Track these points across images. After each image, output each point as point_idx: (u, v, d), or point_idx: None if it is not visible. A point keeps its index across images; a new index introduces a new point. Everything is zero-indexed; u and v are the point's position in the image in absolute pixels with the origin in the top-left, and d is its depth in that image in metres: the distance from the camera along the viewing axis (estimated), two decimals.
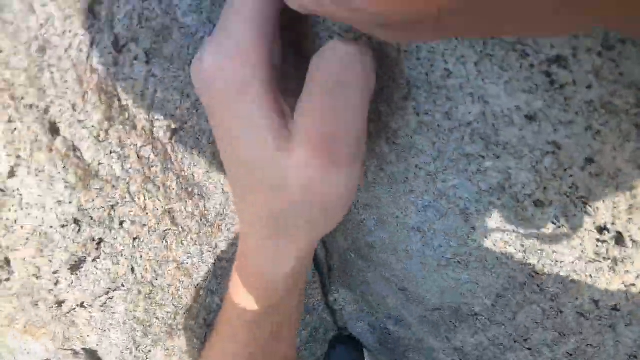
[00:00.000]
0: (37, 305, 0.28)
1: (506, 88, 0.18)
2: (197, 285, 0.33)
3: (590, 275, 0.21)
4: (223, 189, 0.30)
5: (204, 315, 0.35)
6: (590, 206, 0.19)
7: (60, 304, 0.28)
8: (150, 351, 0.33)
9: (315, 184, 0.21)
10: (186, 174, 0.28)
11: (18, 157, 0.21)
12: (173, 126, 0.26)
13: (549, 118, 0.17)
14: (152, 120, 0.25)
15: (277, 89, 0.21)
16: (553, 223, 0.20)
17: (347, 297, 0.44)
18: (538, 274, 0.23)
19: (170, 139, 0.26)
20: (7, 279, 0.25)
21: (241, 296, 0.29)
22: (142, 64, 0.23)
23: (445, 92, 0.21)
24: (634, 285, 0.20)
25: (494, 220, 0.23)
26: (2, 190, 0.21)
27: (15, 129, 0.20)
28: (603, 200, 0.18)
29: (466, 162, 0.22)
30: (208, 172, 0.29)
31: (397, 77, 0.22)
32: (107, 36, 0.21)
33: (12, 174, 0.21)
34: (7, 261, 0.24)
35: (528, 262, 0.23)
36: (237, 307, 0.29)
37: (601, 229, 0.19)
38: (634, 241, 0.18)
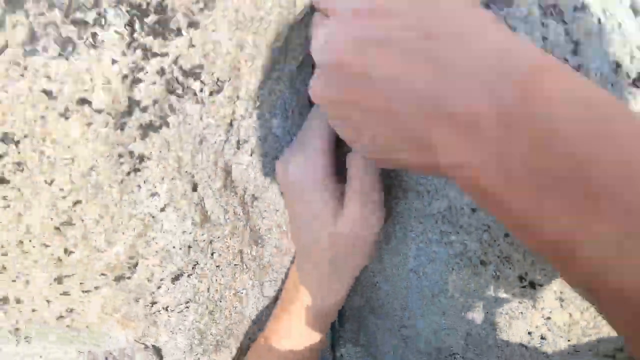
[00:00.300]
0: (137, 301, 0.40)
1: (459, 192, 0.32)
2: (244, 312, 0.44)
3: (522, 312, 0.33)
4: (275, 244, 0.43)
5: (242, 339, 0.46)
6: (512, 263, 0.31)
7: (153, 304, 0.40)
8: (199, 359, 0.44)
9: (362, 228, 0.34)
10: (256, 228, 0.41)
11: (170, 199, 0.35)
12: (256, 195, 0.40)
13: (482, 210, 0.31)
14: (245, 190, 0.39)
15: (336, 180, 0.35)
16: (493, 276, 0.33)
17: (352, 352, 0.55)
18: (489, 313, 0.35)
19: (252, 204, 0.40)
20: (129, 277, 0.38)
21: (287, 324, 0.40)
22: (248, 156, 0.38)
23: (431, 193, 0.34)
24: (549, 318, 0.32)
25: (459, 276, 0.35)
26: (154, 217, 0.35)
27: (175, 184, 0.35)
28: (517, 260, 0.31)
29: (440, 236, 0.35)
30: (270, 229, 0.42)
31: (401, 182, 0.36)
32: (235, 138, 0.36)
33: (163, 209, 0.35)
34: (136, 264, 0.37)
35: (483, 304, 0.35)
36: (281, 334, 0.40)
37: (521, 278, 0.31)
38: (539, 285, 0.31)
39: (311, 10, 0.36)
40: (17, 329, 0.44)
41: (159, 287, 0.39)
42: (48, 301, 0.41)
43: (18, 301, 0.41)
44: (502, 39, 0.23)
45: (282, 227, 0.43)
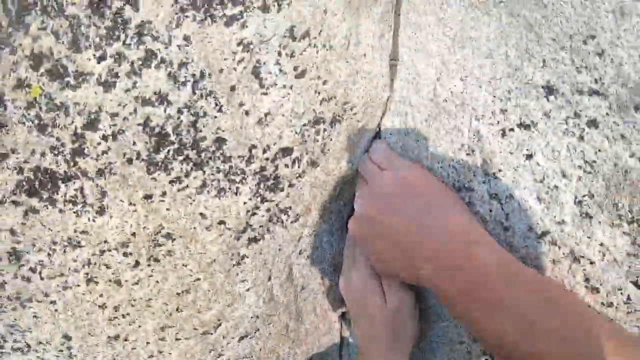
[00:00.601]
0: (210, 352, 0.57)
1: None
2: None
3: None
4: (311, 321, 0.62)
5: None
6: (477, 342, 0.49)
7: (220, 356, 0.58)
8: None
9: (399, 304, 0.52)
10: (299, 309, 0.60)
11: (254, 284, 0.54)
12: (303, 286, 0.59)
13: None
14: (298, 281, 0.58)
15: (378, 277, 0.54)
16: (466, 351, 0.51)
17: None
18: None
19: (300, 291, 0.59)
20: (211, 333, 0.56)
21: None
22: (304, 259, 0.57)
23: (432, 312, 0.54)
24: None
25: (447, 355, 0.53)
26: (240, 294, 0.54)
27: (259, 275, 0.54)
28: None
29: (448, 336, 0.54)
30: (308, 311, 0.61)
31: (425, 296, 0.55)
32: (299, 248, 0.56)
33: (247, 290, 0.54)
34: (219, 324, 0.55)
35: None
36: None
37: (484, 352, 0.49)
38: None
39: (357, 171, 0.57)
40: None
41: (228, 343, 0.57)
42: (147, 342, 0.58)
43: (126, 339, 0.58)
44: (459, 220, 0.44)
45: (316, 310, 0.61)
